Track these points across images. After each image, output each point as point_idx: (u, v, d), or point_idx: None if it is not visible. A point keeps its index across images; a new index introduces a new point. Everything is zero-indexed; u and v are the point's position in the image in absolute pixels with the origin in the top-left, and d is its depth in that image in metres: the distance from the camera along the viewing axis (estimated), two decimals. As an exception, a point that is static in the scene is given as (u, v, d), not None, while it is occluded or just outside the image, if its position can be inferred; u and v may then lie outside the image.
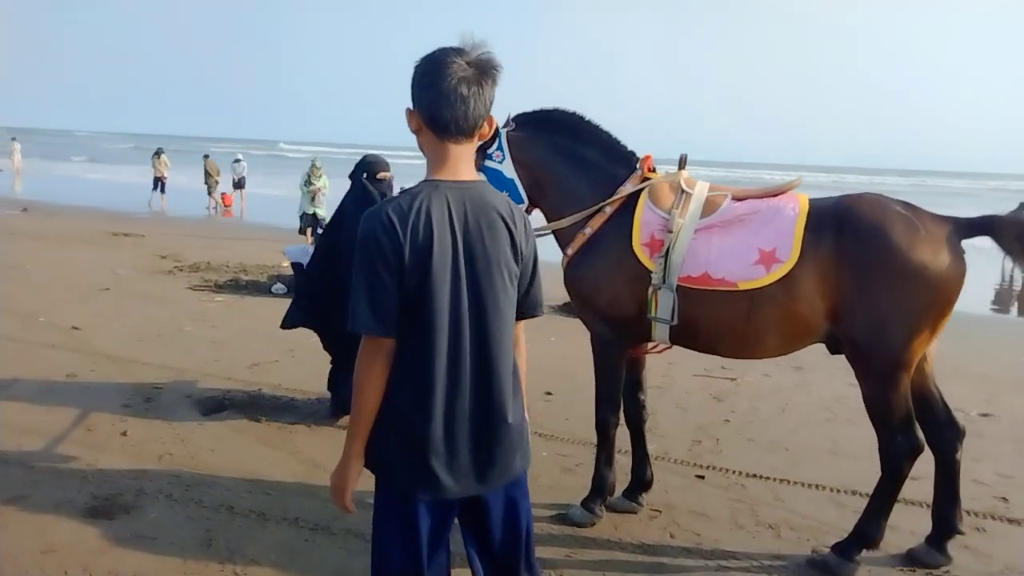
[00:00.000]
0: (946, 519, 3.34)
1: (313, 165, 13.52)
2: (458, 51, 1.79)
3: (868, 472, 4.44)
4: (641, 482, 3.87)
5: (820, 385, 6.29)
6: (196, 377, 5.69)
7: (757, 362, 6.61)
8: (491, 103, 1.84)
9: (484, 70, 1.80)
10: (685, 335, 3.40)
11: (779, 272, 3.12)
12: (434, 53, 1.81)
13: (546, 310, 8.87)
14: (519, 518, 2.01)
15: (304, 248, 9.46)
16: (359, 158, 5.25)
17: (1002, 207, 12.99)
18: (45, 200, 19.62)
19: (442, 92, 1.76)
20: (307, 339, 5.36)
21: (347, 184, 5.10)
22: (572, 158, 3.68)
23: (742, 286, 3.18)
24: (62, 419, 4.70)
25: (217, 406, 5.06)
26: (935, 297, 3.02)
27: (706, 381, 6.29)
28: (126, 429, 4.58)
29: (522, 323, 2.01)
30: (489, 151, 3.79)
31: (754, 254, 3.17)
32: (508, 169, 3.74)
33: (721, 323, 3.29)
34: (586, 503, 3.71)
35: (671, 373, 6.33)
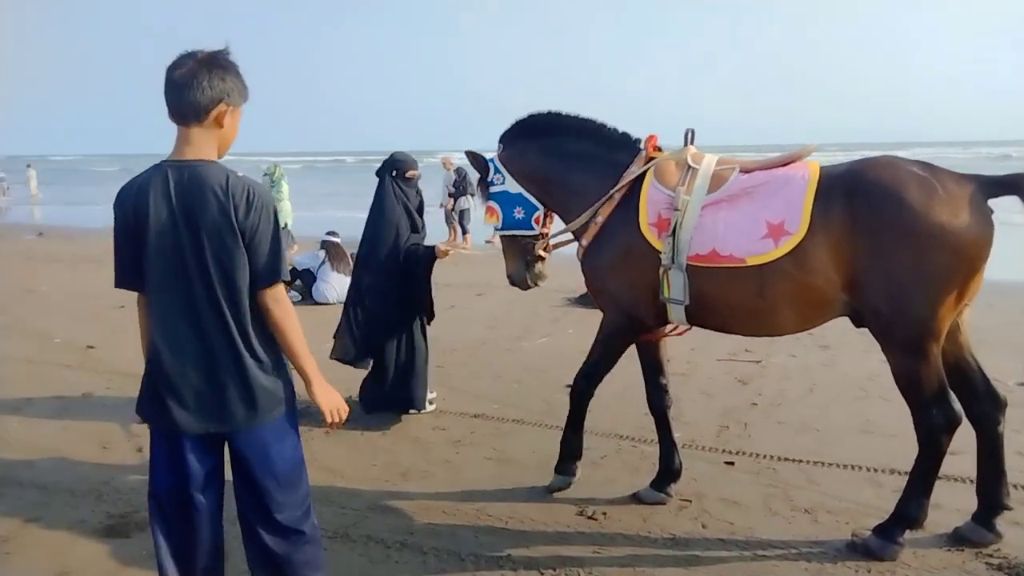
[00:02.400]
0: (992, 495, 3.17)
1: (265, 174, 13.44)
2: (191, 53, 2.15)
3: (905, 449, 4.25)
4: (669, 472, 3.73)
5: (849, 363, 6.11)
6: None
7: (782, 343, 6.45)
8: (218, 94, 2.13)
9: (205, 65, 2.13)
10: (700, 315, 3.29)
11: (788, 245, 2.98)
12: (177, 56, 2.17)
13: (563, 301, 8.85)
14: (262, 467, 2.25)
15: (313, 254, 9.41)
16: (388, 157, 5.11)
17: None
18: (60, 224, 19.78)
19: (168, 83, 2.15)
20: (322, 345, 5.27)
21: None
22: (567, 156, 3.60)
23: (750, 261, 3.04)
24: (77, 438, 4.64)
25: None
26: (957, 260, 2.84)
27: (730, 365, 6.13)
28: (141, 446, 4.51)
29: (272, 291, 2.21)
30: (489, 179, 3.83)
31: (762, 227, 3.03)
32: (512, 186, 3.74)
33: (733, 301, 3.17)
34: (560, 468, 3.83)
35: (694, 359, 6.19)
